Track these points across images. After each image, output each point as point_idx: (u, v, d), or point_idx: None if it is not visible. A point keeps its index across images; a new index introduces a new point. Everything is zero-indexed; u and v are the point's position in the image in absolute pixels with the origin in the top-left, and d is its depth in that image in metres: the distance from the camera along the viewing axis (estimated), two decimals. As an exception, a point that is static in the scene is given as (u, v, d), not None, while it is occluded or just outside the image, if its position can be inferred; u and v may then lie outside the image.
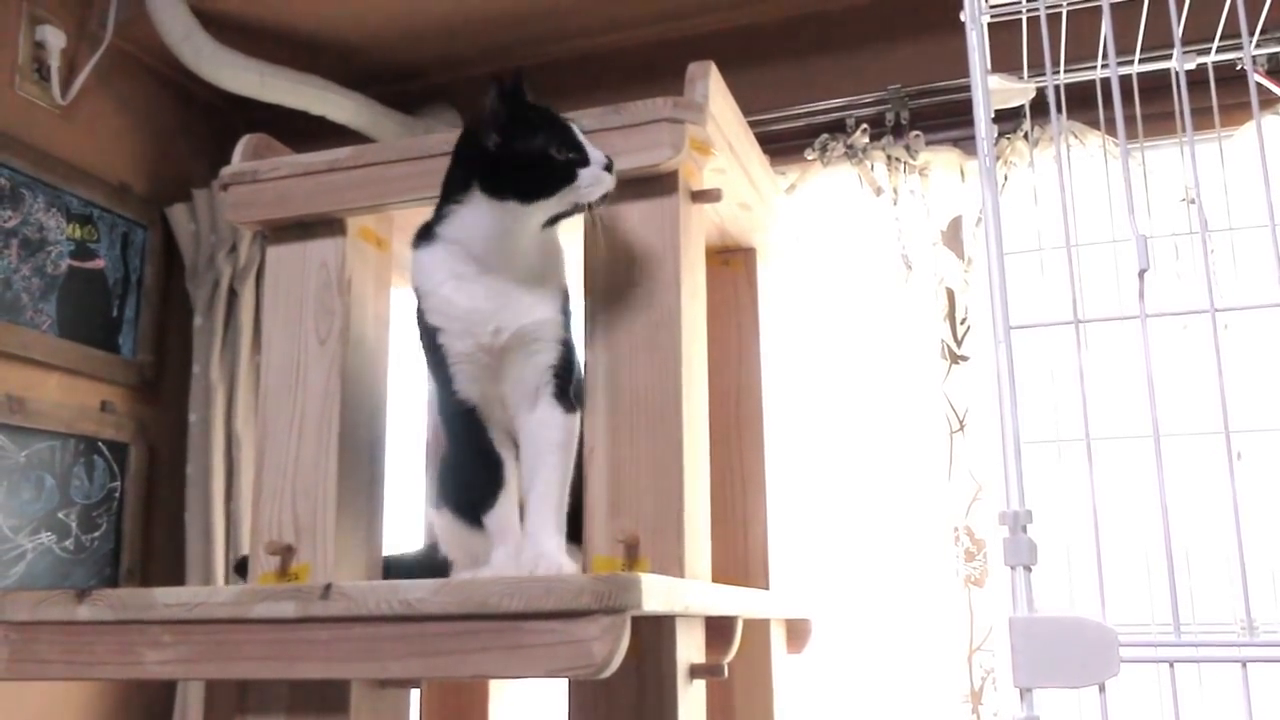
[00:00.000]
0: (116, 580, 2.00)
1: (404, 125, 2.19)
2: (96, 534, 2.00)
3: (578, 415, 1.20)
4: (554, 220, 1.17)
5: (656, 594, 0.94)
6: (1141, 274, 0.91)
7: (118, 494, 2.04)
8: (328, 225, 1.36)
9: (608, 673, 0.88)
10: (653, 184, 1.25)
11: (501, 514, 1.17)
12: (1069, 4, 1.29)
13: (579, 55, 2.17)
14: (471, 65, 2.24)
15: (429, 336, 1.20)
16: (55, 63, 1.98)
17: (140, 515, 2.07)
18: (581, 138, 1.16)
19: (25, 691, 1.84)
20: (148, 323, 2.13)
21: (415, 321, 1.23)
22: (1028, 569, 0.89)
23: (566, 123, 1.16)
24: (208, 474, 2.03)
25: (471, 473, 1.21)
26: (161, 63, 2.16)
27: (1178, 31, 1.07)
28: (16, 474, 1.87)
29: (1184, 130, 1.02)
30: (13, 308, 1.89)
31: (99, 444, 2.02)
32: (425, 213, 1.24)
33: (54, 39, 1.98)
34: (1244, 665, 0.84)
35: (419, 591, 0.93)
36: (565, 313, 1.21)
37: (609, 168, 1.14)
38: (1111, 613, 0.91)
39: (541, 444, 1.17)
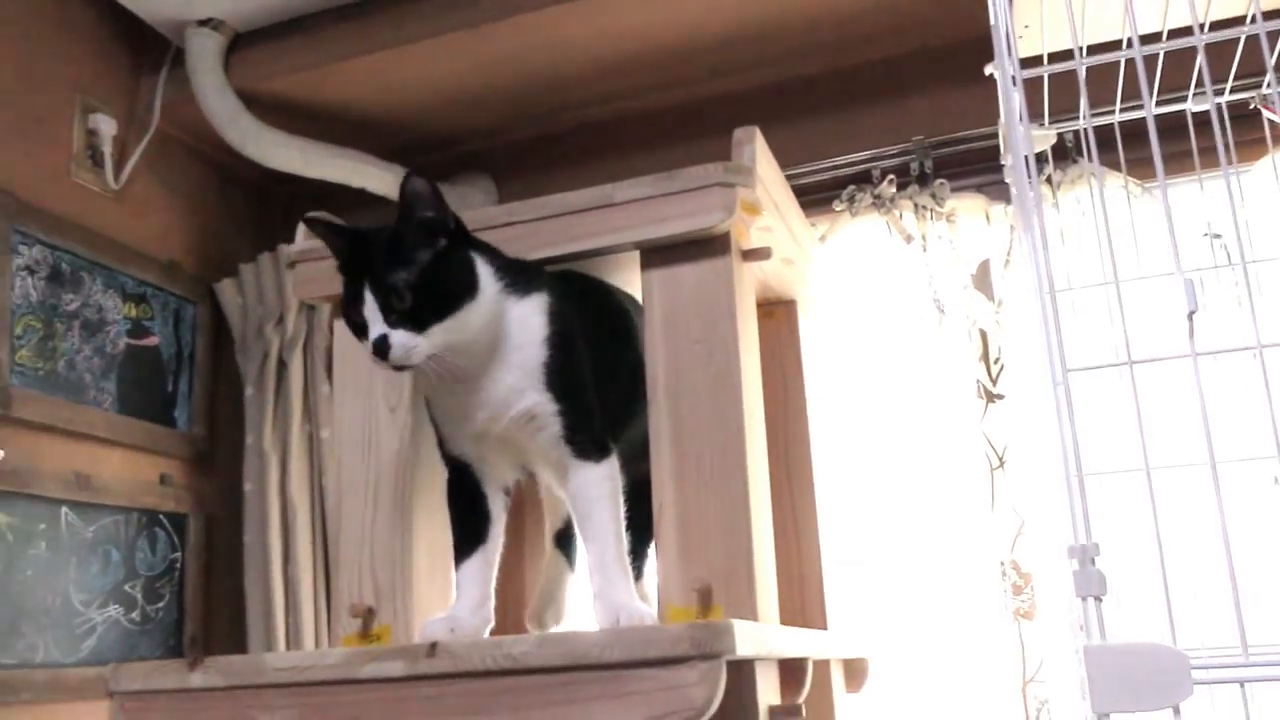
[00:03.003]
0: (180, 649, 2.05)
1: (440, 194, 2.26)
2: (160, 604, 2.05)
3: (611, 458, 1.22)
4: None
5: (747, 639, 0.99)
6: (1190, 315, 0.97)
7: (179, 564, 2.10)
8: (392, 297, 1.42)
9: (707, 716, 0.93)
10: (706, 245, 1.32)
11: (471, 569, 1.21)
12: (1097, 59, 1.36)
13: (614, 117, 2.25)
14: (507, 132, 2.32)
15: (426, 403, 1.25)
16: (108, 149, 2.06)
17: (201, 584, 2.13)
18: (369, 307, 1.10)
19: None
20: (200, 396, 2.20)
21: None
22: (1098, 599, 0.94)
23: (361, 281, 1.11)
24: (265, 541, 2.08)
25: (458, 522, 1.24)
26: (204, 143, 2.24)
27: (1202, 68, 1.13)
28: (85, 549, 1.92)
29: (1227, 163, 1.09)
30: (77, 388, 1.95)
31: (160, 516, 2.08)
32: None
33: (106, 127, 2.06)
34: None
35: (522, 646, 0.98)
36: (551, 382, 1.19)
37: (375, 346, 1.09)
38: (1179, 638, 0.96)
39: (585, 503, 1.20)
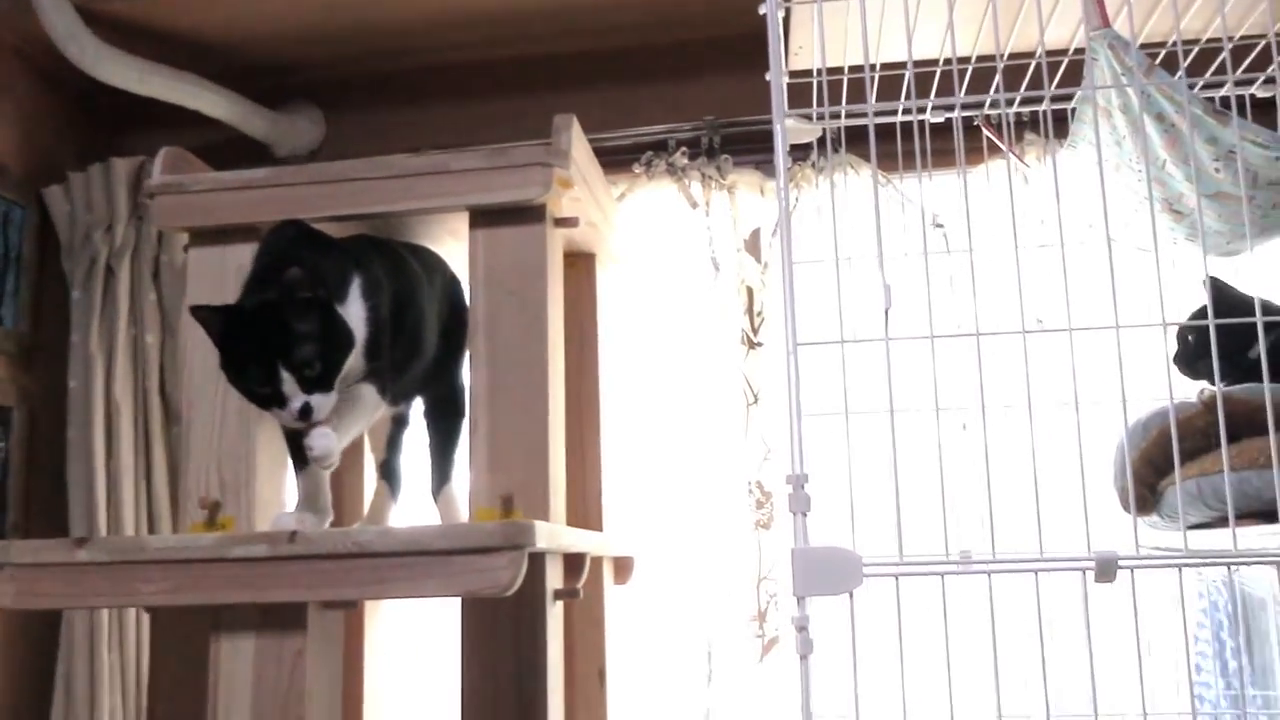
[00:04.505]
0: (3, 534, 2.18)
1: (270, 121, 2.40)
2: (-17, 492, 2.17)
3: (383, 390, 1.49)
4: None
5: (543, 536, 1.28)
6: (885, 311, 1.30)
7: (3, 454, 2.22)
8: (244, 233, 1.61)
9: (510, 592, 1.22)
10: (526, 213, 1.58)
11: (310, 474, 1.47)
12: (848, 74, 1.68)
13: (444, 65, 2.43)
14: (339, 68, 2.46)
15: None
16: (-66, 50, 2.10)
17: (23, 474, 2.25)
18: (286, 383, 1.31)
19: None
20: (26, 296, 2.29)
21: None
22: (804, 515, 1.27)
23: (272, 360, 1.31)
24: (89, 436, 2.22)
25: (291, 437, 1.48)
26: (36, 50, 2.28)
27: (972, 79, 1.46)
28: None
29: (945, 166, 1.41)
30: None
31: (-17, 408, 2.18)
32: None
33: (-67, 26, 2.10)
34: (942, 578, 1.25)
35: (367, 535, 1.24)
36: (370, 353, 1.43)
37: (300, 413, 1.32)
38: (865, 546, 1.30)
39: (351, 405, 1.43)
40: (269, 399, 1.33)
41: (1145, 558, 1.23)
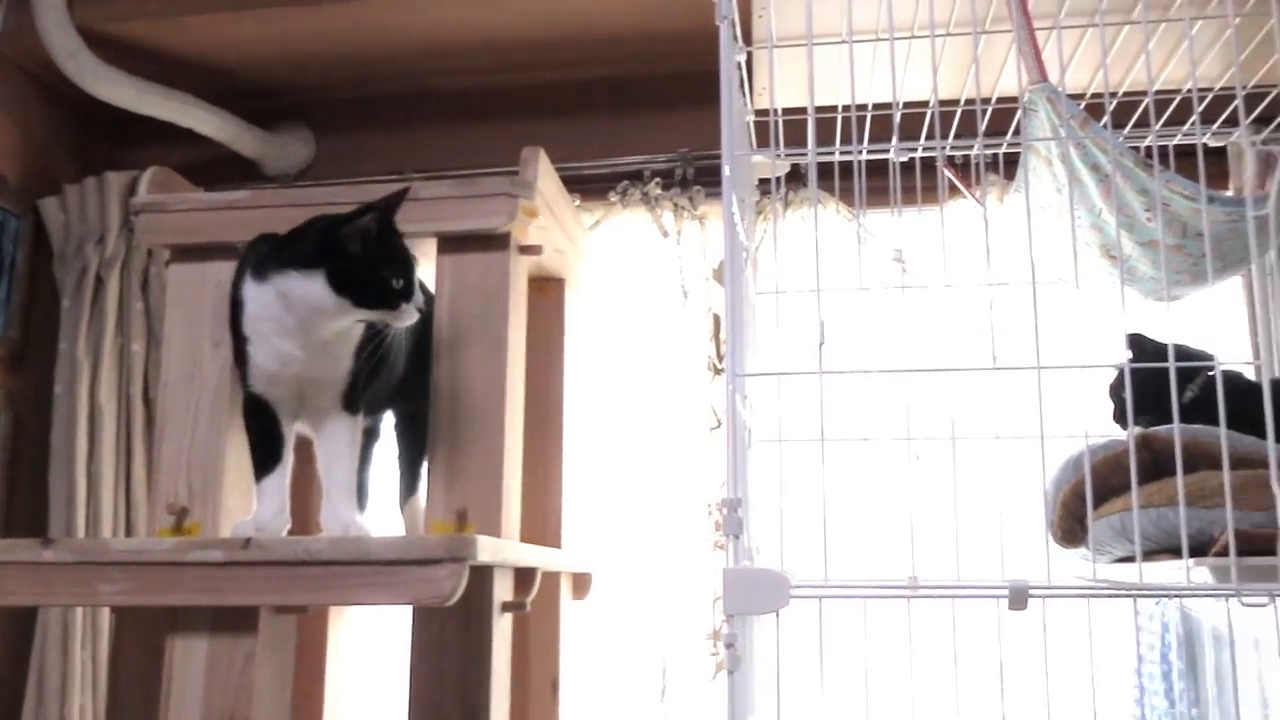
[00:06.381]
0: (-16, 532, 2.25)
1: (261, 140, 2.48)
2: (-36, 492, 2.24)
3: (360, 417, 1.56)
4: (363, 320, 1.48)
5: (486, 549, 1.34)
6: (820, 345, 1.37)
7: (-14, 456, 2.29)
8: (224, 251, 1.68)
9: (451, 602, 1.28)
10: (491, 240, 1.65)
11: (270, 483, 1.49)
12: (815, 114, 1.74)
13: (428, 91, 2.50)
14: (329, 91, 2.54)
15: (238, 337, 1.49)
16: (-61, 62, 2.19)
17: (5, 475, 2.32)
18: (416, 274, 1.45)
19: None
20: (18, 302, 2.36)
21: (229, 309, 1.50)
22: (737, 537, 1.33)
23: (410, 259, 1.45)
24: (71, 439, 2.28)
25: (258, 446, 1.52)
26: (38, 66, 2.36)
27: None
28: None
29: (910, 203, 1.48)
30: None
31: (-30, 410, 2.26)
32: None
33: (-63, 40, 2.19)
34: (864, 601, 1.31)
35: (319, 544, 1.30)
36: (355, 359, 1.51)
37: (420, 307, 1.46)
38: (795, 568, 1.36)
39: (336, 444, 1.53)
40: (405, 292, 1.43)
41: (1056, 587, 1.29)
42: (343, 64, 2.42)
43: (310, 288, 1.41)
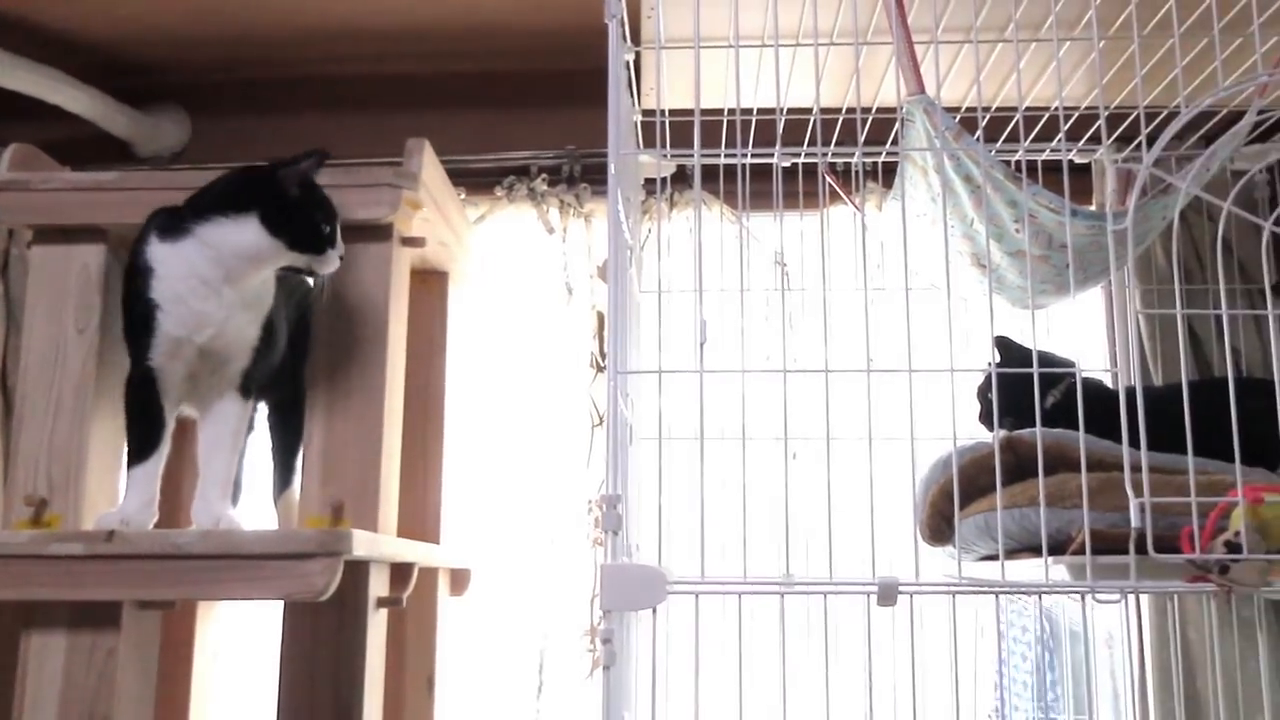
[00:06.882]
0: None
1: (133, 120, 2.39)
2: None
3: (251, 401, 1.53)
4: (287, 268, 1.49)
5: (362, 544, 1.33)
6: (700, 344, 1.39)
7: None
8: (91, 233, 1.62)
9: (325, 598, 1.27)
10: (374, 231, 1.63)
11: (141, 473, 1.43)
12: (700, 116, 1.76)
13: (312, 77, 2.44)
14: (207, 73, 2.46)
15: (143, 306, 1.43)
16: None
17: None
18: (338, 226, 1.51)
19: None
20: None
21: (127, 283, 1.45)
22: (615, 533, 1.34)
23: (335, 208, 1.51)
24: (-78, 428, 2.18)
25: (138, 430, 1.46)
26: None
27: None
28: None
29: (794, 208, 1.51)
30: None
31: None
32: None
33: None
34: (740, 597, 1.34)
35: (186, 537, 1.27)
36: (265, 330, 1.51)
37: (342, 255, 1.52)
38: (674, 565, 1.38)
39: (222, 428, 1.49)
40: (331, 238, 1.49)
41: (923, 584, 1.33)
42: (223, 45, 2.35)
43: (243, 232, 1.42)
